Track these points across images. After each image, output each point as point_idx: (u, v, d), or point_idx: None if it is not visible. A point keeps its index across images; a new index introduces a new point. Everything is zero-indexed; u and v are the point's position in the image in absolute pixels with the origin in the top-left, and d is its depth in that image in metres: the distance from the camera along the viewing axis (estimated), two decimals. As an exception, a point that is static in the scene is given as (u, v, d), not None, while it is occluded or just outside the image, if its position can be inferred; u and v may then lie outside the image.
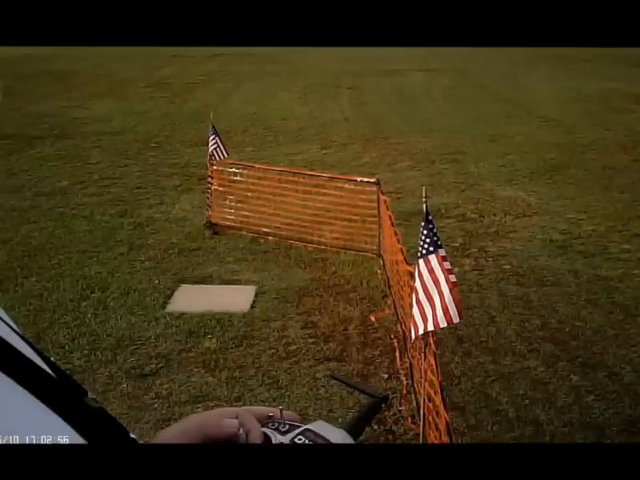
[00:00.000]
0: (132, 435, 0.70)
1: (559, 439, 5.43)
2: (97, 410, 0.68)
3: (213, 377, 6.26)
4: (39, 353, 0.71)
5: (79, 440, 0.62)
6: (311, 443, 0.89)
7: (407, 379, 6.22)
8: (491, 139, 16.96)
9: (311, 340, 6.97)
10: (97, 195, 12.23)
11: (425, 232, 4.73)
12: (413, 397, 5.86)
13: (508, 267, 9.06)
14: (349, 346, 6.87)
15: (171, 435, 0.90)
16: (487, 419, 5.71)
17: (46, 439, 0.58)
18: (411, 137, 17.13)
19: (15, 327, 0.71)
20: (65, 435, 0.61)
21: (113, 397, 5.87)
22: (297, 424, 0.94)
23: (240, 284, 8.46)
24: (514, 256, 9.43)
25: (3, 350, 0.63)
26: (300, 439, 0.90)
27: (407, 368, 6.37)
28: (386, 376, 6.34)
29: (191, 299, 8.02)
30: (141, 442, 0.73)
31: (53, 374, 0.68)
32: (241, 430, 0.90)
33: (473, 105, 20.93)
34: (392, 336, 7.05)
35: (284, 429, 0.93)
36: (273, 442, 0.90)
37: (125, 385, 6.11)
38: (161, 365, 6.47)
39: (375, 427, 5.44)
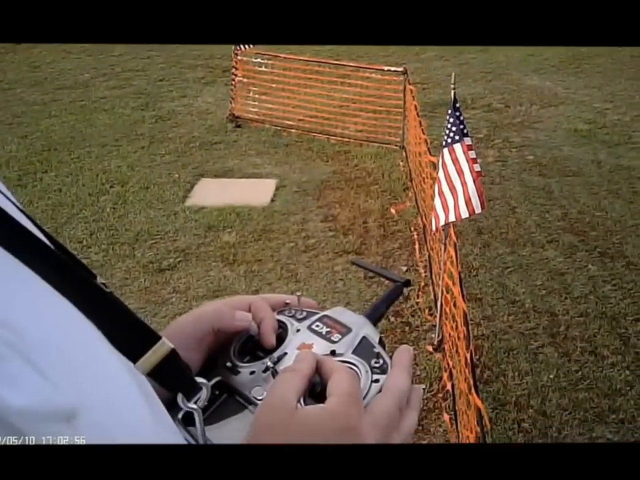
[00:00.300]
0: (148, 324, 0.66)
1: (574, 328, 5.40)
2: (108, 295, 0.64)
3: (231, 270, 6.25)
4: (42, 230, 0.66)
5: (88, 324, 0.58)
6: (329, 329, 0.86)
7: (425, 271, 6.18)
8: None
9: (331, 233, 6.92)
10: (119, 87, 12.10)
11: (451, 120, 4.55)
12: (431, 289, 5.83)
13: (531, 157, 8.92)
14: (369, 239, 6.82)
15: (185, 323, 0.87)
16: (503, 309, 5.68)
17: (53, 324, 0.53)
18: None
19: (11, 196, 0.65)
20: (75, 321, 0.57)
21: (130, 292, 5.88)
22: (314, 311, 0.92)
23: (261, 177, 8.39)
24: (538, 146, 9.28)
25: (4, 225, 0.57)
26: (317, 326, 0.88)
27: (425, 260, 6.32)
28: (405, 268, 6.30)
29: (211, 192, 7.95)
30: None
31: (60, 254, 0.62)
32: (252, 324, 0.87)
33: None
34: (412, 228, 6.97)
35: (301, 316, 0.90)
36: (290, 329, 0.87)
37: (143, 280, 6.11)
38: (179, 259, 6.45)
39: (392, 319, 5.44)
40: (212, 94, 11.70)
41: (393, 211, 7.39)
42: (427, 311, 5.59)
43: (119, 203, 7.64)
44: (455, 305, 4.56)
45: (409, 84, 8.79)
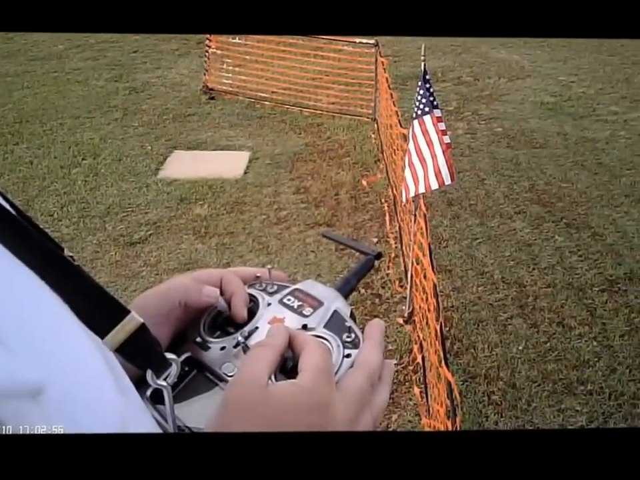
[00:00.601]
0: (118, 299, 0.61)
1: (542, 299, 5.29)
2: (75, 268, 0.59)
3: (203, 243, 6.04)
4: (9, 202, 0.61)
5: (55, 298, 0.55)
6: (300, 303, 0.82)
7: (395, 243, 6.03)
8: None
9: (302, 205, 6.74)
10: (93, 59, 11.78)
11: (421, 92, 4.43)
12: (401, 261, 5.68)
13: (500, 129, 8.80)
14: (340, 211, 6.65)
15: (151, 297, 0.81)
16: (473, 280, 5.56)
17: (18, 297, 0.51)
18: None
19: None
20: (41, 294, 0.53)
21: (101, 265, 5.67)
22: (285, 284, 0.87)
23: (234, 150, 8.16)
24: (506, 119, 9.17)
25: None
26: (289, 299, 0.83)
27: (396, 232, 6.18)
28: (375, 240, 6.15)
29: (184, 165, 7.70)
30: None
31: (27, 225, 0.58)
32: (220, 299, 0.81)
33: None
34: (383, 200, 6.82)
35: (272, 290, 0.86)
36: (260, 303, 0.82)
37: (114, 253, 5.89)
38: (150, 232, 6.23)
39: (363, 290, 5.29)
40: (186, 66, 11.44)
41: (364, 182, 7.23)
42: (397, 282, 5.44)
43: (91, 176, 7.37)
44: (425, 276, 4.42)
45: (381, 56, 8.63)
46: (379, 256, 0.97)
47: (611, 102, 9.86)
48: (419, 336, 4.62)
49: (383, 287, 5.40)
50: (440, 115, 4.50)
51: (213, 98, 9.92)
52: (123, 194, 6.95)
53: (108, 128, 8.75)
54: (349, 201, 6.85)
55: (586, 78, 10.96)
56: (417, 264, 4.75)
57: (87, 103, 9.59)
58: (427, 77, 4.48)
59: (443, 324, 3.78)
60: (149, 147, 8.12)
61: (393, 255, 5.82)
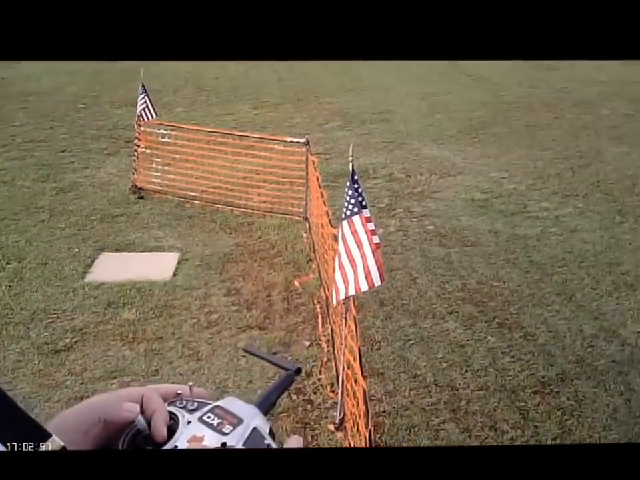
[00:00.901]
0: (39, 422, 0.65)
1: (474, 402, 5.42)
2: None
3: (131, 350, 6.04)
4: None
5: None
6: (220, 420, 0.85)
7: (327, 346, 6.12)
8: (421, 97, 16.89)
9: (234, 308, 6.82)
10: (20, 158, 11.75)
11: (349, 192, 4.58)
12: (333, 365, 5.76)
13: (431, 227, 9.03)
14: (272, 313, 6.74)
15: (70, 416, 0.83)
16: (405, 384, 5.66)
17: None
18: (343, 96, 16.97)
19: None
20: None
21: (23, 375, 5.61)
22: (205, 401, 0.90)
23: (163, 251, 8.22)
24: (437, 216, 9.42)
25: None
26: (209, 417, 0.86)
27: (328, 334, 6.27)
28: (307, 343, 6.23)
29: (112, 267, 7.73)
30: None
31: None
32: (140, 418, 0.84)
33: (406, 63, 20.77)
34: (315, 301, 6.94)
35: (192, 407, 0.89)
36: (180, 421, 0.85)
37: (37, 362, 5.84)
38: (76, 339, 6.20)
39: (294, 396, 5.35)
40: (115, 165, 11.51)
41: (296, 283, 7.34)
42: (329, 387, 5.52)
43: (15, 280, 7.33)
44: (356, 381, 4.51)
45: (311, 155, 8.83)
46: (298, 371, 1.04)
47: (542, 198, 10.16)
48: (350, 444, 4.68)
49: (315, 393, 5.47)
50: (369, 214, 4.63)
51: (142, 197, 9.98)
52: (49, 299, 6.92)
53: (34, 230, 8.73)
54: (281, 303, 6.95)
55: (517, 174, 11.27)
56: (348, 368, 4.83)
57: (12, 204, 9.57)
58: (355, 177, 4.64)
59: (372, 431, 3.86)
60: (76, 249, 8.11)
61: (325, 359, 5.91)
